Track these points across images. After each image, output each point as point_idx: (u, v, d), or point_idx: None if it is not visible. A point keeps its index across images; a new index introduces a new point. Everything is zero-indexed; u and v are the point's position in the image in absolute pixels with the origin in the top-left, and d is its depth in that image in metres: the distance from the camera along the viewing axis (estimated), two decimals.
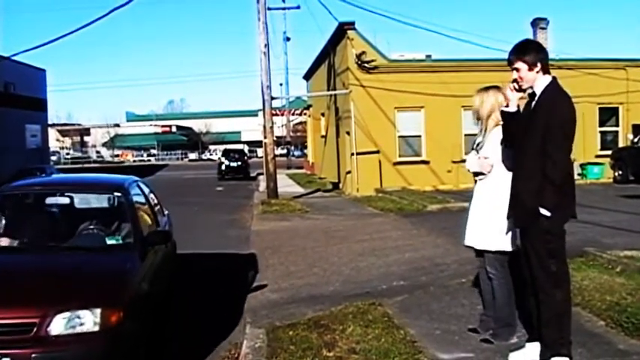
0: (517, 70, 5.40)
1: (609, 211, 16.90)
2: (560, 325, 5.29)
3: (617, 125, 30.06)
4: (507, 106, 5.57)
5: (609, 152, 28.40)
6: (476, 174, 6.26)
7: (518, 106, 5.51)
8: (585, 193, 21.35)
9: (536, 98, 5.36)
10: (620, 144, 29.35)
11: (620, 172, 27.05)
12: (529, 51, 5.37)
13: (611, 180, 27.29)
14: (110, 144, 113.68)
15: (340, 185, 30.46)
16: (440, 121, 27.18)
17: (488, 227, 6.00)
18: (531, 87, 5.38)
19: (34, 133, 48.81)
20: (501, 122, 5.81)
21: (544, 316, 5.34)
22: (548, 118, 5.15)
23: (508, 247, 5.95)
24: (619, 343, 6.10)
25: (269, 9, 26.41)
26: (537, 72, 5.31)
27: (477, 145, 6.31)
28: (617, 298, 7.41)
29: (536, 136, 5.22)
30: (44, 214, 8.25)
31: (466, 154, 6.73)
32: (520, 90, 5.46)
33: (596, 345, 6.05)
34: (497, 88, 6.24)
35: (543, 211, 5.14)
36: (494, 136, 6.06)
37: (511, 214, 5.60)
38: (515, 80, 5.45)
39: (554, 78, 5.35)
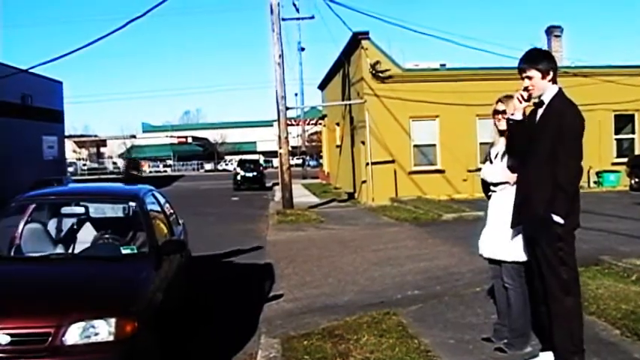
0: (529, 78, 5.44)
1: (625, 219, 16.80)
2: (571, 332, 5.29)
3: (633, 132, 29.88)
4: (513, 114, 5.60)
5: (625, 160, 28.26)
6: (493, 185, 6.23)
7: (524, 115, 5.52)
8: (601, 200, 21.30)
9: (544, 106, 5.39)
10: (637, 151, 29.17)
11: (637, 180, 26.88)
12: (542, 59, 5.45)
13: (628, 188, 27.13)
14: (126, 155, 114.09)
15: (355, 195, 30.45)
16: (455, 130, 27.14)
17: (508, 237, 5.96)
18: (539, 96, 5.42)
19: (51, 145, 49.09)
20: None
21: (555, 324, 5.35)
22: (560, 125, 5.18)
23: (526, 257, 5.92)
24: (634, 352, 6.06)
25: (283, 19, 26.53)
26: (549, 80, 5.36)
27: (496, 155, 6.26)
28: (632, 307, 7.36)
29: (546, 144, 5.25)
30: (59, 223, 8.33)
31: (481, 162, 6.68)
32: (529, 99, 5.48)
33: (611, 354, 6.01)
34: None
35: (557, 219, 5.15)
36: None
37: (517, 222, 5.62)
38: (526, 88, 5.48)
39: (560, 88, 5.39)
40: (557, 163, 5.16)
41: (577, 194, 5.38)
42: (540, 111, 5.45)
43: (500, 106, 6.18)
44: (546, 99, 5.39)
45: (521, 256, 5.92)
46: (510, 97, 6.17)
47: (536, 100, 5.48)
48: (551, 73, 5.37)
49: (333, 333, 7.17)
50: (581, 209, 5.45)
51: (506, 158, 6.11)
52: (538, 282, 5.51)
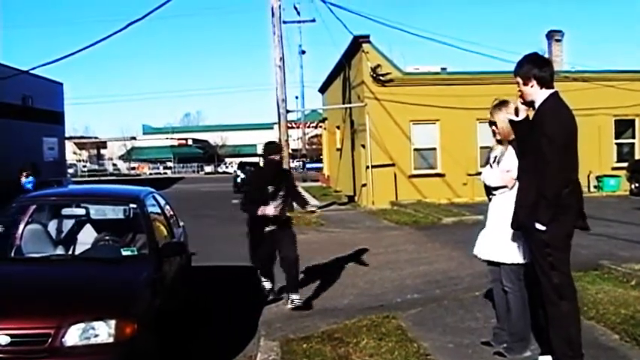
0: (517, 84, 5.57)
1: (625, 224, 16.81)
2: (569, 337, 5.30)
3: (633, 137, 29.81)
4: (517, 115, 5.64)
5: (625, 164, 28.26)
6: (494, 188, 6.24)
7: (528, 116, 5.56)
8: (601, 205, 21.27)
9: (535, 112, 5.45)
10: (637, 156, 29.14)
11: (637, 185, 26.88)
12: (523, 66, 5.53)
13: (628, 192, 27.12)
14: (127, 157, 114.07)
15: (355, 198, 30.44)
16: (455, 133, 27.13)
17: (508, 240, 5.96)
18: (532, 101, 5.48)
19: (52, 146, 49.10)
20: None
21: (552, 328, 5.36)
22: (539, 133, 5.22)
23: (526, 259, 5.91)
24: (633, 357, 6.07)
25: (284, 22, 26.55)
26: (532, 86, 5.44)
27: (494, 159, 6.28)
28: (631, 312, 7.37)
29: (532, 149, 5.29)
30: (60, 224, 8.33)
31: (482, 166, 6.71)
32: (525, 103, 5.54)
33: (610, 359, 6.03)
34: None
35: (538, 226, 5.20)
36: (514, 150, 6.04)
37: (515, 225, 5.64)
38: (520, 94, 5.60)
39: (554, 92, 5.42)
40: (540, 170, 5.19)
41: (576, 201, 5.38)
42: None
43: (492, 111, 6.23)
44: (537, 105, 5.44)
45: (521, 259, 5.93)
46: (502, 103, 6.20)
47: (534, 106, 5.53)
48: (533, 80, 5.42)
49: (333, 336, 7.18)
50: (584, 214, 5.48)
51: (503, 163, 6.13)
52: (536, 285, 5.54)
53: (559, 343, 5.34)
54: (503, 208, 6.04)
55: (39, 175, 13.34)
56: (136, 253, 7.19)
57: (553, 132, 5.19)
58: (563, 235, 5.32)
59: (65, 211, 8.39)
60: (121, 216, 8.64)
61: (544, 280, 5.33)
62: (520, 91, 5.56)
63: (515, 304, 6.08)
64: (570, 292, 5.40)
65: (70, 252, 7.66)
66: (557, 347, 5.36)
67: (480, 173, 6.91)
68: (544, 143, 5.16)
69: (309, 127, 68.40)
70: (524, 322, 6.13)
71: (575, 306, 5.46)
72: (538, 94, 5.43)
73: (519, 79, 5.52)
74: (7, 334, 5.21)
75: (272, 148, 9.64)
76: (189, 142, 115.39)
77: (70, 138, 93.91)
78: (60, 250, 7.67)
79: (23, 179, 10.93)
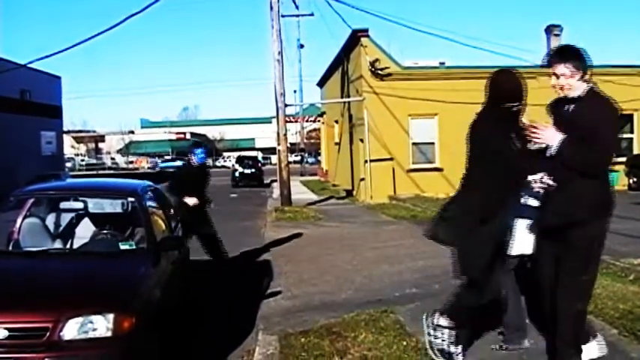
0: (555, 75, 5.41)
1: (624, 219, 16.68)
2: (576, 334, 5.27)
3: (631, 132, 29.82)
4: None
5: (624, 159, 28.23)
6: None
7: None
8: None
9: (577, 103, 5.36)
10: (635, 151, 29.16)
11: (635, 180, 26.91)
12: (571, 58, 5.46)
13: (626, 187, 27.10)
14: (125, 151, 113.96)
15: (354, 192, 30.45)
16: (454, 128, 26.82)
17: (516, 233, 5.93)
18: (572, 95, 5.36)
19: (50, 140, 49.00)
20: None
21: (563, 325, 5.24)
22: (593, 120, 5.19)
23: (529, 251, 5.84)
24: (632, 352, 6.07)
25: (283, 16, 26.48)
26: (578, 79, 5.39)
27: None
28: (630, 307, 7.38)
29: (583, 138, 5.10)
30: (58, 218, 8.32)
31: None
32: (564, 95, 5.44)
33: (609, 353, 5.99)
34: None
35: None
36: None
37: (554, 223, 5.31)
38: (562, 87, 5.44)
39: (594, 86, 5.46)
40: (595, 150, 5.06)
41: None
42: (572, 107, 5.42)
43: None
44: (577, 94, 5.41)
45: (527, 250, 5.87)
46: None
47: (563, 95, 5.43)
48: (581, 72, 5.43)
49: (331, 330, 7.17)
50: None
51: None
52: (546, 282, 5.39)
53: (566, 340, 5.26)
54: None
55: (207, 148, 14.08)
56: (134, 247, 7.19)
57: (608, 116, 5.32)
58: (607, 228, 5.25)
59: (63, 204, 8.37)
60: (119, 210, 8.62)
61: (568, 280, 5.15)
62: (558, 84, 5.42)
63: (507, 296, 6.06)
64: (590, 290, 5.33)
65: (68, 246, 7.66)
66: (561, 343, 5.29)
67: None
68: (603, 126, 5.17)
69: (307, 121, 68.26)
70: (517, 312, 6.12)
71: (587, 304, 5.41)
72: (580, 88, 5.37)
73: (565, 71, 5.36)
74: (4, 328, 5.20)
75: (508, 86, 6.08)
76: (188, 136, 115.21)
77: (68, 132, 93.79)
78: (58, 244, 7.67)
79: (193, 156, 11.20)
